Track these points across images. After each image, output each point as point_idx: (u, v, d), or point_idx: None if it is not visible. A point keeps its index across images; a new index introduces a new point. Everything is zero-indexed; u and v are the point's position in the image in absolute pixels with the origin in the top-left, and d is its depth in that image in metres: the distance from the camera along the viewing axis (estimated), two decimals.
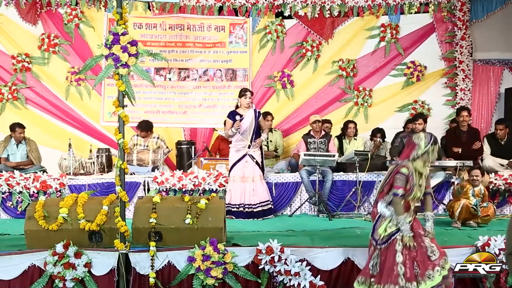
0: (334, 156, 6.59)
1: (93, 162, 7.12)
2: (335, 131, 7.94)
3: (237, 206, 6.20)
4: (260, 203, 6.25)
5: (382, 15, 8.66)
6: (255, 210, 6.21)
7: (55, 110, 8.33)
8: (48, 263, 3.88)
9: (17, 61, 8.22)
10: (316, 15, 8.48)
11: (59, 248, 3.91)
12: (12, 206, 6.46)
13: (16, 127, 7.18)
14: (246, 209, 6.21)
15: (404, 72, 8.61)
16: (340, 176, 6.82)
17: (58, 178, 6.53)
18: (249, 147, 6.29)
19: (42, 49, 8.32)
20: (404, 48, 8.63)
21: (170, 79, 8.60)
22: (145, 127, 7.46)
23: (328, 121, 7.86)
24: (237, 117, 6.32)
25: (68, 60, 8.41)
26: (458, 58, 8.40)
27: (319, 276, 3.97)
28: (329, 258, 4.11)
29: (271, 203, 6.39)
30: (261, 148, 6.53)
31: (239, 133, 6.29)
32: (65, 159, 7.01)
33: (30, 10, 8.22)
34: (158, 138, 7.55)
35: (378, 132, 7.69)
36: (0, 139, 7.44)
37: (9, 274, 3.91)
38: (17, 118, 7.76)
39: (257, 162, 6.30)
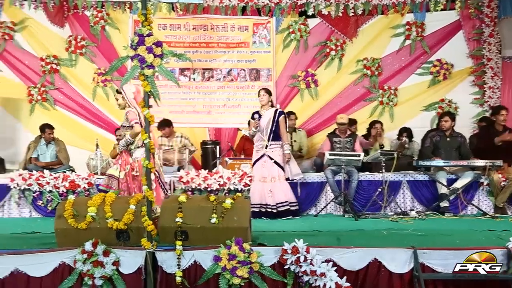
0: (359, 156, 6.54)
1: None
2: (360, 130, 7.89)
3: (257, 206, 6.20)
4: (277, 204, 6.22)
5: (407, 13, 8.55)
6: (272, 211, 6.21)
7: (83, 110, 8.48)
8: (78, 261, 3.93)
9: (45, 63, 8.40)
10: (340, 14, 8.44)
11: (88, 246, 3.96)
12: (42, 205, 6.61)
13: (45, 128, 7.34)
14: (264, 209, 6.22)
15: (430, 71, 8.50)
16: (366, 176, 6.77)
17: (86, 177, 6.64)
18: (266, 147, 6.31)
19: (69, 51, 8.48)
20: (430, 46, 8.51)
21: (194, 79, 8.66)
22: (164, 124, 7.55)
23: (354, 122, 7.80)
24: (255, 116, 6.38)
25: (94, 62, 8.55)
26: (486, 56, 8.25)
27: (345, 277, 3.93)
28: (355, 259, 4.06)
29: (292, 204, 6.31)
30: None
31: (259, 131, 6.33)
32: (92, 158, 7.13)
33: (57, 13, 8.38)
34: (181, 136, 7.63)
35: (404, 132, 7.62)
36: (30, 139, 7.61)
37: (41, 271, 3.97)
38: (46, 118, 7.93)
39: (275, 162, 6.29)
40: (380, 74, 8.59)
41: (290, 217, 6.22)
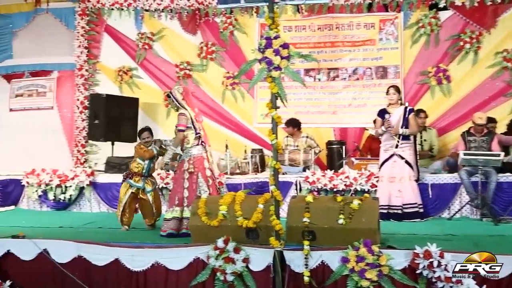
0: (499, 155, 6.04)
1: (248, 162, 7.46)
2: (500, 128, 7.28)
3: (385, 207, 6.02)
4: (404, 205, 6.02)
5: None
6: (397, 211, 6.02)
7: (213, 113, 8.85)
8: (210, 257, 4.13)
9: (180, 69, 8.95)
10: (476, 4, 7.81)
11: (220, 243, 4.14)
12: None
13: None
14: (390, 211, 6.02)
15: None
16: (507, 177, 6.24)
17: (217, 177, 6.95)
18: (396, 146, 6.10)
19: (201, 56, 8.93)
20: None
21: (319, 79, 8.64)
22: (289, 123, 7.62)
23: (493, 120, 7.20)
24: (386, 116, 6.20)
25: (223, 66, 8.90)
26: None
27: (484, 285, 3.66)
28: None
29: (419, 206, 6.09)
30: (415, 147, 6.28)
31: (389, 132, 6.16)
32: (222, 159, 7.47)
33: (190, 22, 8.89)
34: (307, 137, 7.68)
35: None
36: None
37: (178, 265, 4.26)
38: None
39: (407, 162, 6.06)
40: None
41: (418, 220, 5.99)
